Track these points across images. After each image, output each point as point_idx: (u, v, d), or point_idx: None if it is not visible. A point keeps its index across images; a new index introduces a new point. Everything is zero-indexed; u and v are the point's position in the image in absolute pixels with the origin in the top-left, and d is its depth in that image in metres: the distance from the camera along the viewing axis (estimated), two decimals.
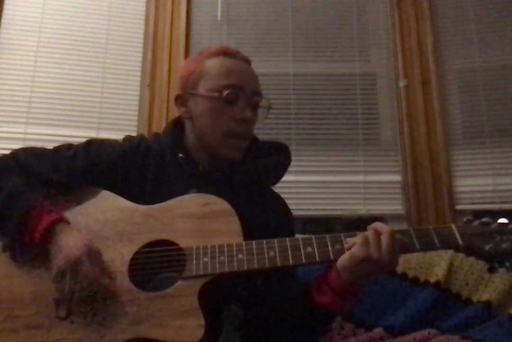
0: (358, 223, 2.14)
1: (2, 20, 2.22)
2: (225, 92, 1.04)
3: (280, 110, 2.21)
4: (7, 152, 1.07)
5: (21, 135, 2.12)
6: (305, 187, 2.15)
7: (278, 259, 0.89)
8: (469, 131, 2.17)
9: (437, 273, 1.46)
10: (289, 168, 1.17)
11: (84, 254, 0.89)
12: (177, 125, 1.15)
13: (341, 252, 0.89)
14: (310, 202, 2.13)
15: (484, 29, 2.25)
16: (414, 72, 2.25)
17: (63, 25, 2.28)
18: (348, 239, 0.90)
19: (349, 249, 0.88)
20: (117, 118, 2.23)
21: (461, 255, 1.50)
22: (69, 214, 0.99)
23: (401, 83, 2.24)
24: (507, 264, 0.90)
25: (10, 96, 2.16)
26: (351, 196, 2.15)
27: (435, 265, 1.49)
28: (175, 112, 1.37)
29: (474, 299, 1.42)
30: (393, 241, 0.87)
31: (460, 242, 0.90)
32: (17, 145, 1.19)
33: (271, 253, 0.90)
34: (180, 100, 1.11)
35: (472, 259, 1.49)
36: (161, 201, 1.00)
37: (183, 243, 0.93)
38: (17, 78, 2.19)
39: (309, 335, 0.99)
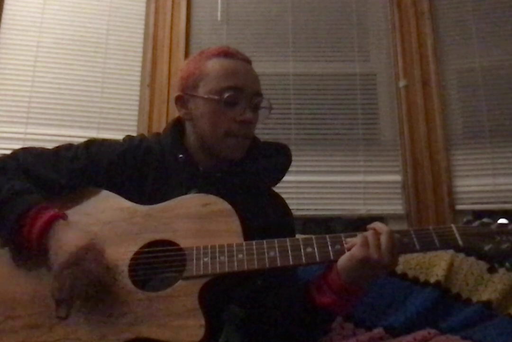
0: (358, 223, 2.14)
1: (2, 20, 2.22)
2: (226, 95, 1.03)
3: (280, 110, 2.20)
4: (7, 152, 1.07)
5: (21, 135, 2.12)
6: (305, 187, 2.15)
7: (278, 259, 0.89)
8: (469, 131, 2.16)
9: (437, 273, 1.46)
10: (289, 169, 1.17)
11: (86, 251, 0.88)
12: (177, 126, 1.15)
13: (341, 252, 0.89)
14: (310, 202, 2.13)
15: (484, 29, 2.25)
16: (414, 72, 2.24)
17: (63, 25, 2.27)
18: (348, 239, 0.91)
19: (349, 249, 0.89)
20: (117, 118, 2.22)
21: (461, 255, 1.50)
22: (69, 214, 0.99)
23: (401, 83, 2.24)
24: (507, 264, 0.90)
25: (10, 96, 2.16)
26: (351, 196, 2.14)
27: (435, 265, 1.49)
28: (175, 113, 1.37)
29: (474, 299, 1.41)
30: (392, 240, 0.87)
31: (460, 242, 0.90)
32: (17, 145, 1.19)
33: (271, 253, 0.90)
34: (180, 101, 1.11)
35: (472, 259, 1.49)
36: (161, 201, 1.00)
37: (183, 243, 0.93)
38: (17, 78, 2.18)
39: (309, 335, 0.99)
